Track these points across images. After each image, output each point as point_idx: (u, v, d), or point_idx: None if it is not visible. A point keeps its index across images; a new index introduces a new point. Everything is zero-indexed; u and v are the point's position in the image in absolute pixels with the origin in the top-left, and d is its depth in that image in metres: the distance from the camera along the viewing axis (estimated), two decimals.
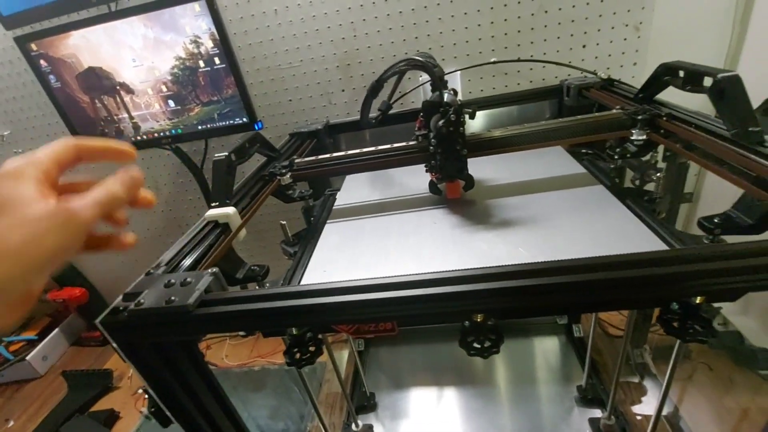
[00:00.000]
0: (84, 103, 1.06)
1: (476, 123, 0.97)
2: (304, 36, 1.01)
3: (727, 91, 0.46)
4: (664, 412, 0.91)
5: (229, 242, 0.49)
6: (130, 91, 1.03)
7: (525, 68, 1.00)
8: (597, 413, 0.95)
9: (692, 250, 0.34)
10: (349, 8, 0.97)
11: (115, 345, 0.37)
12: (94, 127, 1.08)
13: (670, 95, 0.61)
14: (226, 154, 0.57)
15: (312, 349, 0.46)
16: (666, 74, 0.57)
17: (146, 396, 0.42)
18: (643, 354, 1.02)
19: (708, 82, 0.49)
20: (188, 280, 0.37)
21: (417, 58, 0.60)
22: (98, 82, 1.03)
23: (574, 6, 0.92)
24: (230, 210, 0.51)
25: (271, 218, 1.25)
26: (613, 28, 0.94)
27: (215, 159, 0.56)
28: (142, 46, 0.97)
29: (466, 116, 0.56)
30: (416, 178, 0.72)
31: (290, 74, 1.07)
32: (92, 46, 0.98)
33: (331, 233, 0.61)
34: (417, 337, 1.25)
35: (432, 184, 0.64)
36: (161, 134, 1.08)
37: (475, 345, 0.40)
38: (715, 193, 1.05)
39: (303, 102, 1.10)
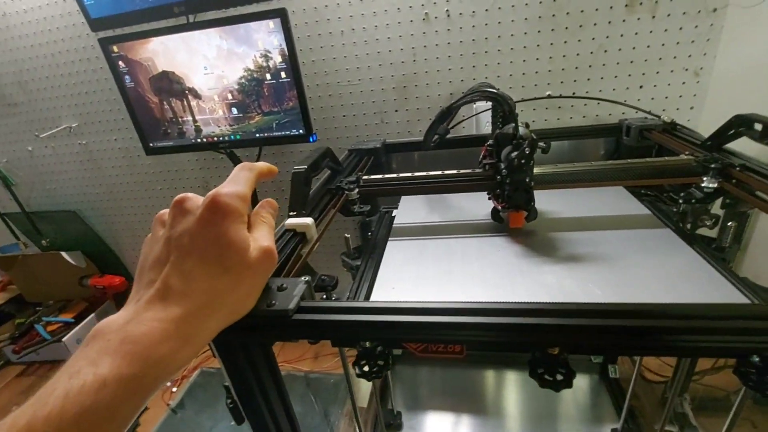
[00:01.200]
0: (152, 104, 1.13)
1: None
2: (366, 57, 1.06)
3: None
4: None
5: (309, 251, 0.51)
6: (197, 96, 1.09)
7: (579, 104, 1.02)
8: None
9: None
10: (412, 35, 1.01)
11: (210, 342, 0.40)
12: (158, 125, 1.15)
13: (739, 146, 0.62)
14: (305, 167, 0.60)
15: (381, 363, 0.48)
16: (741, 125, 0.57)
17: (226, 392, 0.44)
18: (683, 403, 0.99)
19: None
20: (284, 285, 0.40)
21: (491, 89, 0.62)
22: (169, 85, 1.09)
23: (634, 48, 0.94)
24: (309, 220, 0.53)
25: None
26: (672, 71, 0.95)
27: (295, 171, 0.60)
28: (216, 55, 1.03)
29: (538, 150, 0.58)
30: (472, 203, 0.74)
31: (348, 92, 1.11)
32: (169, 52, 1.05)
33: (395, 250, 0.62)
34: (442, 361, 1.25)
35: (495, 212, 0.65)
36: (220, 138, 1.13)
37: (547, 377, 0.41)
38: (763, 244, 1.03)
39: (357, 119, 1.14)
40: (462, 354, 0.44)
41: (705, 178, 0.57)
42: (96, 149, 1.38)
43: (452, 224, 0.69)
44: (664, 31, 0.91)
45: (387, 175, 0.69)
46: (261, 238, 0.31)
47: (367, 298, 0.54)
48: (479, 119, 1.04)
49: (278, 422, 0.48)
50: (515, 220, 0.63)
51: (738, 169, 0.56)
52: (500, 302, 0.37)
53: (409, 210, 0.76)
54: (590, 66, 0.98)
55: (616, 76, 0.98)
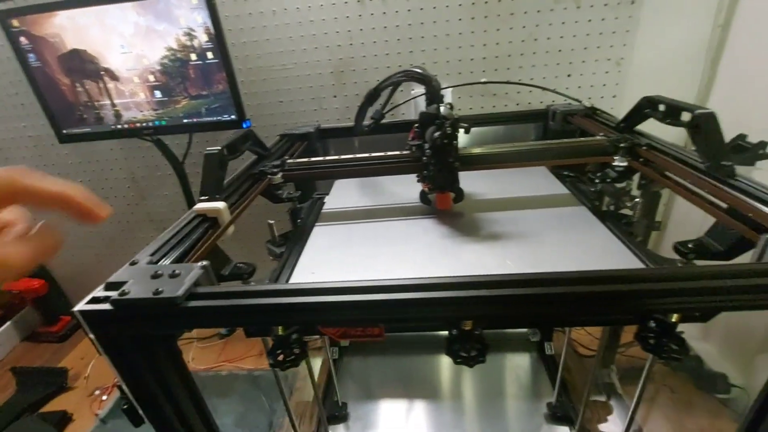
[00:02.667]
0: (63, 86, 1.02)
1: (462, 140, 1.00)
2: (300, 39, 1.02)
3: (703, 127, 0.49)
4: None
5: (217, 237, 0.48)
6: (114, 77, 1.00)
7: (513, 91, 1.04)
8: (565, 431, 0.97)
9: (671, 270, 0.36)
10: (347, 17, 0.98)
11: (92, 336, 0.35)
12: (72, 110, 1.04)
13: (649, 127, 0.66)
14: (219, 148, 0.56)
15: (297, 351, 0.45)
16: (647, 107, 0.61)
17: (120, 392, 0.40)
18: (610, 374, 1.06)
19: (686, 116, 0.52)
20: (177, 271, 0.36)
21: (417, 69, 0.61)
22: (81, 65, 0.99)
23: (562, 37, 0.97)
24: (220, 205, 0.50)
25: (253, 218, 1.22)
26: (596, 60, 0.99)
27: (207, 152, 0.55)
28: (133, 33, 0.95)
29: (461, 130, 0.58)
30: (404, 188, 0.73)
31: (282, 76, 1.06)
32: (79, 28, 0.95)
33: (320, 236, 0.60)
34: (389, 349, 1.25)
35: (423, 194, 0.65)
36: (144, 124, 1.04)
37: (462, 354, 0.41)
38: (681, 222, 1.11)
39: (293, 104, 1.09)
40: (381, 336, 0.43)
41: (616, 158, 0.60)
42: (1, 138, 1.23)
43: (382, 208, 0.68)
44: (588, 21, 0.95)
45: (313, 158, 0.66)
46: None
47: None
48: (417, 103, 1.04)
49: (187, 421, 0.44)
50: (442, 202, 0.63)
51: (644, 148, 0.59)
52: (412, 278, 0.36)
53: (341, 195, 0.74)
54: (522, 54, 1.00)
55: (546, 65, 1.01)
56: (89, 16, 0.94)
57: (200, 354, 1.34)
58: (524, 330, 1.24)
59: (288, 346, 0.46)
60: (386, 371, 1.18)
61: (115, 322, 0.34)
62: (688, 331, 0.35)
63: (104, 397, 1.21)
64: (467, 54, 1.01)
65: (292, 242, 0.63)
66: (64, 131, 1.07)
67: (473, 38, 0.99)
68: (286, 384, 1.20)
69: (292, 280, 0.51)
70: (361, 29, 1.00)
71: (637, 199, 0.59)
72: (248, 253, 1.28)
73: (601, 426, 0.97)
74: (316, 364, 1.22)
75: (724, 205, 0.45)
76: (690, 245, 0.48)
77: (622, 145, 0.59)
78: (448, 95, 1.06)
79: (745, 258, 0.43)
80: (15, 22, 0.96)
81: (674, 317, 0.37)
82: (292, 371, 1.24)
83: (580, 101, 0.83)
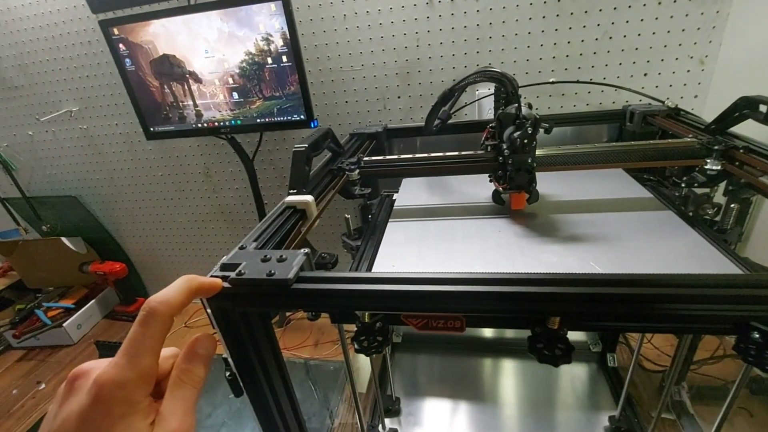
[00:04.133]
0: (153, 87, 1.12)
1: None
2: (369, 42, 1.05)
3: None
4: None
5: (309, 228, 0.51)
6: (198, 80, 1.08)
7: (583, 91, 1.01)
8: None
9: None
10: (416, 19, 1.00)
11: (209, 311, 0.39)
12: (159, 110, 1.14)
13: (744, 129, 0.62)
14: (306, 145, 0.60)
15: (380, 339, 0.48)
16: (746, 107, 0.57)
17: (225, 365, 0.44)
18: (680, 392, 0.99)
19: None
20: (284, 257, 0.40)
21: (492, 69, 0.62)
22: (170, 68, 1.08)
23: (639, 35, 0.93)
24: (309, 198, 0.53)
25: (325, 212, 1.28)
26: (677, 59, 0.94)
27: (295, 150, 0.59)
28: (217, 38, 1.02)
29: (541, 130, 0.57)
30: (473, 187, 0.73)
31: (350, 77, 1.10)
32: (169, 35, 1.04)
33: (396, 231, 0.62)
34: (439, 349, 1.25)
35: (496, 194, 0.65)
36: (221, 123, 1.12)
37: (546, 352, 0.41)
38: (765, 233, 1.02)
39: (359, 104, 1.13)
40: (462, 329, 0.44)
41: (708, 161, 0.57)
42: (96, 134, 1.37)
43: (453, 206, 0.69)
44: (670, 18, 0.91)
45: (387, 157, 0.69)
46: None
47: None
48: (481, 105, 1.04)
49: (277, 397, 0.48)
50: (517, 202, 0.63)
51: (741, 150, 0.55)
52: (499, 272, 0.37)
53: (410, 193, 0.76)
54: (595, 53, 0.97)
55: (620, 64, 0.97)
56: (179, 24, 1.02)
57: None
58: (584, 339, 1.19)
59: (372, 333, 0.48)
60: (436, 370, 1.19)
61: (231, 299, 0.38)
62: None
63: (225, 365, 1.31)
64: (536, 54, 0.99)
65: (366, 237, 0.65)
66: (152, 129, 1.18)
67: (543, 38, 0.97)
68: (338, 376, 1.24)
69: (373, 270, 0.53)
70: (428, 31, 1.01)
71: (722, 206, 0.56)
72: (320, 245, 1.33)
73: None
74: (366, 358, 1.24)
75: None
76: None
77: (716, 147, 0.56)
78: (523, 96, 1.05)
79: None
80: (115, 31, 1.07)
81: None
82: (344, 364, 1.28)
83: (662, 101, 0.79)
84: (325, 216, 1.35)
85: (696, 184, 0.60)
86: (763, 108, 0.55)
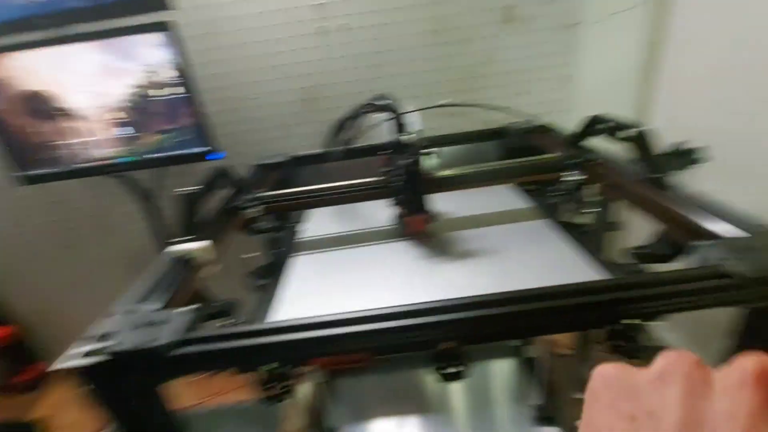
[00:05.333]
0: (22, 127, 0.99)
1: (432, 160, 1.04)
2: (270, 70, 1.04)
3: (644, 142, 0.55)
4: None
5: (198, 278, 0.49)
6: (77, 116, 0.98)
7: (474, 110, 1.10)
8: (553, 431, 1.00)
9: (629, 279, 0.40)
10: (314, 47, 1.02)
11: (84, 389, 0.36)
12: (32, 152, 1.01)
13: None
14: (193, 187, 0.57)
15: (286, 384, 0.46)
16: (596, 123, 0.66)
17: None
18: (590, 371, 1.10)
19: (628, 133, 0.58)
20: (164, 318, 0.37)
21: (378, 102, 0.65)
22: (40, 105, 0.97)
23: (514, 59, 1.04)
24: (199, 245, 0.51)
25: (231, 250, 1.22)
26: (547, 79, 1.07)
27: (181, 192, 0.56)
28: (95, 72, 0.94)
29: (429, 156, 0.61)
30: (381, 212, 0.75)
31: (253, 105, 1.08)
32: (37, 68, 0.94)
33: (298, 267, 0.62)
34: (381, 367, 1.25)
35: (398, 218, 0.67)
36: (111, 161, 1.03)
37: (446, 371, 0.44)
38: (637, 225, 1.20)
39: (266, 132, 1.11)
40: (367, 362, 0.45)
41: (570, 173, 0.65)
42: None
43: (358, 233, 0.70)
44: (537, 44, 1.03)
45: (287, 190, 0.68)
46: None
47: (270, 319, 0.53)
48: (389, 126, 1.08)
49: None
50: (415, 225, 0.66)
51: (594, 162, 0.64)
52: (388, 307, 0.38)
53: (317, 223, 0.76)
54: (483, 75, 1.06)
55: (505, 85, 1.07)
56: (48, 56, 0.93)
57: (186, 390, 1.30)
58: None
59: (277, 381, 0.47)
60: (378, 390, 1.18)
61: (108, 373, 0.35)
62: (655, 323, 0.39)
63: None
64: (432, 77, 1.06)
65: (272, 275, 0.64)
66: (24, 173, 1.04)
67: (433, 62, 1.04)
68: (273, 414, 1.18)
69: (273, 315, 0.52)
70: (327, 57, 1.03)
71: (594, 209, 0.64)
72: (228, 288, 1.26)
73: None
74: (305, 388, 1.21)
75: (668, 214, 0.51)
76: (639, 251, 0.53)
77: (573, 161, 0.64)
78: (415, 117, 1.10)
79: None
80: None
81: (637, 320, 0.42)
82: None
83: (531, 119, 0.89)
84: (233, 257, 1.29)
85: (565, 193, 0.69)
86: (607, 124, 0.64)
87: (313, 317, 0.38)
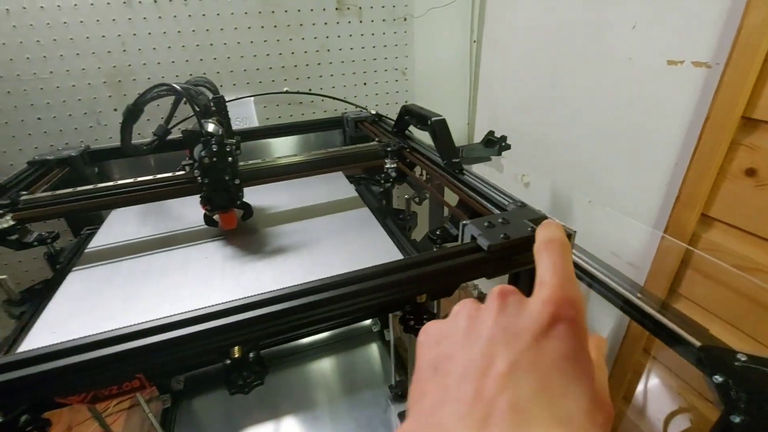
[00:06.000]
0: None
1: (279, 149, 0.98)
2: (54, 44, 0.85)
3: (438, 131, 0.58)
4: None
5: None
6: None
7: (318, 99, 1.08)
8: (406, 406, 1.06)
9: (404, 261, 0.42)
10: (114, 20, 0.86)
11: None
12: None
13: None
14: None
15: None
16: (406, 114, 0.69)
17: None
18: None
19: (428, 123, 0.61)
20: None
21: (176, 84, 0.57)
22: None
23: (352, 48, 1.04)
24: None
25: (6, 267, 0.98)
26: (386, 70, 1.10)
27: None
28: None
29: (233, 146, 0.56)
30: (196, 209, 0.67)
31: (37, 87, 0.87)
32: None
33: (74, 283, 0.51)
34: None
35: (206, 216, 0.61)
36: None
37: (238, 382, 0.40)
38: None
39: (61, 121, 0.91)
40: (146, 387, 0.38)
41: (387, 161, 0.67)
42: None
43: (163, 237, 0.61)
44: (372, 35, 1.04)
45: (59, 191, 0.56)
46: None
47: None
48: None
49: None
50: (227, 222, 0.60)
51: (408, 150, 0.67)
52: (164, 317, 0.33)
53: (116, 227, 0.65)
54: (319, 63, 1.04)
55: (343, 74, 1.07)
56: None
57: None
58: (368, 322, 1.31)
59: (15, 429, 0.37)
60: (235, 402, 1.10)
61: None
62: None
63: None
64: (265, 63, 0.99)
65: (41, 296, 0.51)
66: None
67: (267, 47, 0.98)
68: None
69: (25, 346, 0.42)
70: (134, 34, 0.88)
71: (406, 196, 0.67)
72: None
73: None
74: (139, 421, 1.05)
75: (456, 197, 0.55)
76: (438, 232, 0.56)
77: (389, 149, 0.66)
78: (251, 105, 1.03)
79: None
80: None
81: (422, 298, 0.43)
82: None
83: (365, 108, 0.90)
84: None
85: (390, 180, 0.71)
86: (414, 115, 0.67)
87: (52, 345, 0.30)
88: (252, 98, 1.00)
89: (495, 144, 0.81)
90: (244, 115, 0.99)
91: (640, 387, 0.86)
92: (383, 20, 1.03)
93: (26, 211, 0.53)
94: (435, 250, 0.57)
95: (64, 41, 0.85)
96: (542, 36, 0.92)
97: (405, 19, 1.05)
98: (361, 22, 1.02)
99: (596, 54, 0.79)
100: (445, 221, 0.57)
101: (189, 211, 0.68)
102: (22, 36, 0.83)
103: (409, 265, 0.38)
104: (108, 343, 0.33)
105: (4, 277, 0.50)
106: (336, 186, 0.77)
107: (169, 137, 0.75)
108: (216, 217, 0.61)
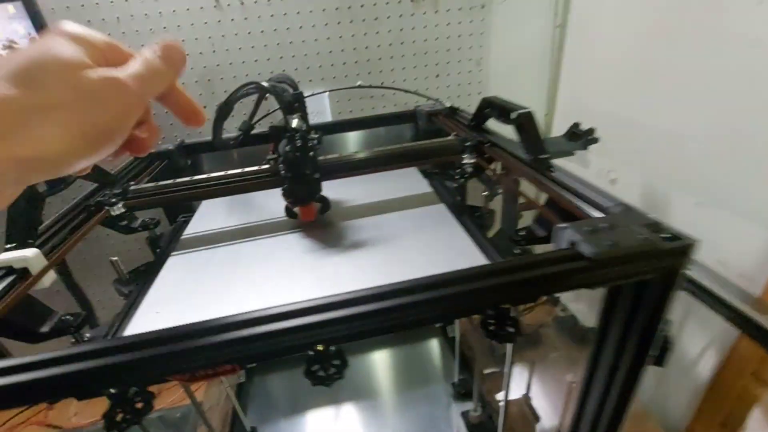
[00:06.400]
0: None
1: (350, 143, 1.00)
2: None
3: (524, 125, 0.55)
4: (519, 395, 1.04)
5: (24, 291, 0.41)
6: None
7: (389, 92, 1.07)
8: (469, 406, 1.03)
9: (491, 267, 0.39)
10: (206, 23, 0.92)
11: None
12: None
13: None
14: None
15: (139, 405, 0.41)
16: (487, 107, 0.66)
17: None
18: (504, 345, 1.15)
19: (514, 115, 0.58)
20: None
21: (263, 83, 0.59)
22: None
23: (425, 40, 1.02)
24: (29, 252, 0.43)
25: (121, 247, 1.10)
26: (459, 61, 1.06)
27: None
28: None
29: (315, 141, 0.57)
30: (276, 201, 0.70)
31: None
32: None
33: (174, 267, 0.55)
34: (297, 362, 1.22)
35: (287, 208, 0.63)
36: None
37: (319, 374, 0.41)
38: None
39: (158, 119, 0.99)
40: (237, 371, 0.41)
41: (465, 156, 0.64)
42: None
43: (248, 227, 0.65)
44: (447, 25, 1.01)
45: (161, 182, 0.61)
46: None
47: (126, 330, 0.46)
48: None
49: None
50: (306, 214, 0.62)
51: (488, 145, 0.64)
52: (261, 309, 0.34)
53: (206, 216, 0.70)
54: (391, 57, 1.03)
55: (415, 66, 1.05)
56: None
57: (85, 407, 1.17)
58: None
59: (129, 403, 0.41)
60: (302, 383, 1.15)
61: None
62: (563, 294, 0.38)
63: None
64: (340, 58, 1.01)
65: (145, 277, 0.57)
66: None
67: (342, 43, 0.99)
68: (188, 422, 1.11)
69: (132, 326, 0.46)
70: (222, 35, 0.94)
71: (487, 193, 0.64)
72: (99, 295, 1.14)
73: (498, 395, 1.05)
74: (219, 391, 1.14)
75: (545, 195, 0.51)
76: (521, 233, 0.53)
77: (467, 143, 0.63)
78: (326, 100, 1.05)
79: None
80: None
81: (507, 305, 0.41)
82: (189, 407, 1.15)
83: (439, 101, 0.87)
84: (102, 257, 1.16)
85: (466, 176, 0.68)
86: (497, 107, 0.64)
87: (152, 332, 0.33)
88: (326, 93, 1.02)
89: (580, 137, 0.74)
90: (319, 109, 1.01)
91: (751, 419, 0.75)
92: (459, 9, 1.00)
93: (134, 200, 0.59)
94: (518, 252, 0.54)
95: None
96: (644, 15, 0.82)
97: (483, 6, 1.00)
98: (436, 12, 0.99)
99: (712, 35, 0.69)
100: (533, 221, 0.53)
101: (271, 202, 0.71)
102: (129, 41, 0.92)
103: (502, 271, 0.36)
104: (210, 332, 0.34)
105: (115, 258, 0.56)
106: (409, 181, 0.76)
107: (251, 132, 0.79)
108: (296, 209, 0.63)
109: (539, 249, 0.47)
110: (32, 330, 0.44)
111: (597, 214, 0.43)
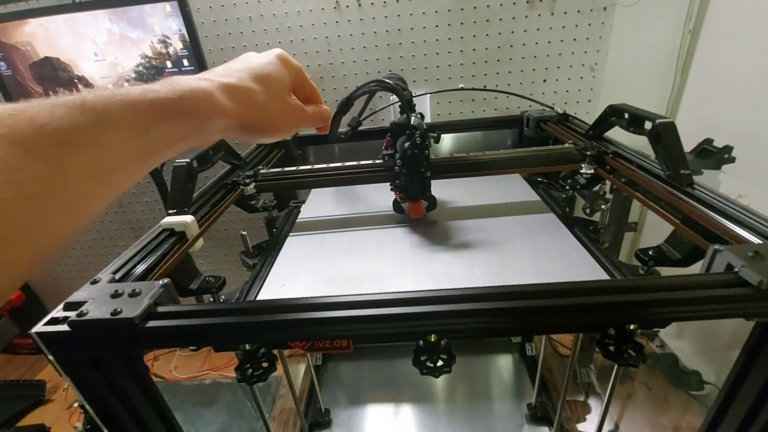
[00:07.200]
0: (36, 94, 1.00)
1: (443, 145, 1.00)
2: (279, 46, 1.01)
3: (663, 136, 0.50)
4: (605, 430, 0.96)
5: (184, 251, 0.48)
6: (88, 85, 0.98)
7: (491, 96, 1.06)
8: (545, 431, 0.98)
9: (628, 282, 0.37)
10: (325, 23, 0.99)
11: (51, 358, 0.35)
12: None
13: (618, 134, 0.67)
14: (188, 160, 0.56)
15: (265, 365, 0.45)
16: (613, 115, 0.62)
17: (83, 413, 0.40)
18: (588, 373, 1.07)
19: (648, 125, 0.54)
20: (137, 290, 0.36)
21: (387, 80, 0.62)
22: (54, 73, 0.98)
23: (537, 43, 0.99)
24: (188, 218, 0.50)
25: (234, 226, 1.22)
26: (571, 66, 1.01)
27: (175, 165, 0.55)
28: (106, 40, 0.94)
29: (431, 140, 0.58)
30: (381, 195, 0.73)
31: None
32: (50, 35, 0.94)
33: (293, 246, 0.60)
34: (375, 353, 1.25)
35: (396, 203, 0.65)
36: None
37: (428, 364, 0.42)
38: (658, 224, 1.14)
39: None
40: (350, 348, 0.43)
41: (583, 165, 0.61)
42: None
43: (357, 217, 0.68)
44: (562, 28, 0.97)
45: (286, 169, 0.66)
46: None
47: (257, 296, 0.52)
48: (396, 109, 1.04)
49: None
50: (415, 211, 0.63)
51: (610, 156, 0.60)
52: (381, 293, 0.36)
53: (317, 203, 0.74)
54: (498, 60, 1.01)
55: (522, 70, 1.02)
56: (60, 24, 0.92)
57: (183, 363, 1.32)
58: None
59: (256, 361, 0.46)
60: (372, 375, 1.19)
61: (73, 343, 0.34)
62: (663, 330, 0.36)
63: (83, 413, 1.19)
64: (445, 60, 1.02)
65: (266, 253, 0.63)
66: None
67: (450, 45, 1.00)
68: (269, 391, 1.19)
69: (262, 293, 0.51)
70: (338, 35, 1.00)
71: (605, 205, 0.60)
72: (231, 264, 1.27)
73: (579, 425, 0.98)
74: (300, 370, 1.22)
75: (681, 214, 0.46)
76: (650, 252, 0.49)
77: (588, 153, 0.60)
78: (427, 101, 1.07)
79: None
80: None
81: (632, 326, 0.38)
82: (275, 378, 1.23)
83: (552, 107, 0.84)
84: (232, 231, 1.29)
85: (578, 186, 0.65)
86: (626, 115, 0.60)
87: (291, 299, 0.36)
88: (428, 95, 1.04)
89: (713, 155, 0.67)
90: (420, 110, 1.03)
91: None
92: (578, 11, 0.95)
93: (262, 182, 0.66)
94: (642, 273, 0.50)
95: (286, 43, 1.01)
96: None
97: (605, 9, 0.94)
98: (552, 14, 0.95)
99: None
100: (667, 241, 0.49)
101: (376, 195, 0.74)
102: (257, 39, 1.01)
103: (642, 288, 0.34)
104: (337, 306, 0.37)
105: (244, 233, 0.62)
106: (514, 187, 0.74)
107: (361, 128, 0.83)
108: (404, 205, 0.65)
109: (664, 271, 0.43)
110: (184, 286, 0.51)
111: (754, 239, 0.39)
